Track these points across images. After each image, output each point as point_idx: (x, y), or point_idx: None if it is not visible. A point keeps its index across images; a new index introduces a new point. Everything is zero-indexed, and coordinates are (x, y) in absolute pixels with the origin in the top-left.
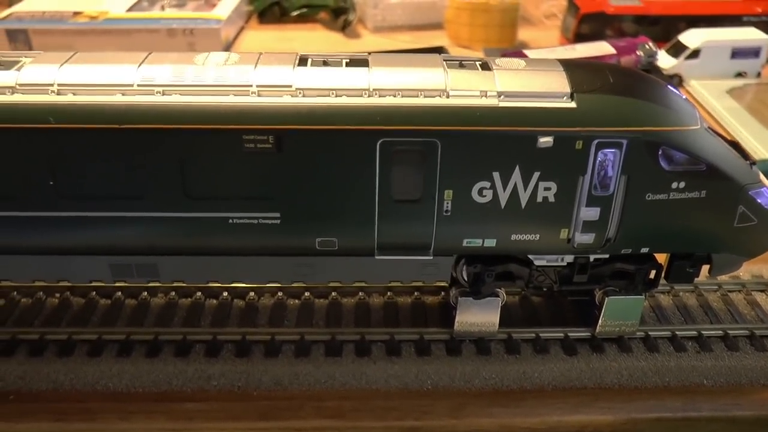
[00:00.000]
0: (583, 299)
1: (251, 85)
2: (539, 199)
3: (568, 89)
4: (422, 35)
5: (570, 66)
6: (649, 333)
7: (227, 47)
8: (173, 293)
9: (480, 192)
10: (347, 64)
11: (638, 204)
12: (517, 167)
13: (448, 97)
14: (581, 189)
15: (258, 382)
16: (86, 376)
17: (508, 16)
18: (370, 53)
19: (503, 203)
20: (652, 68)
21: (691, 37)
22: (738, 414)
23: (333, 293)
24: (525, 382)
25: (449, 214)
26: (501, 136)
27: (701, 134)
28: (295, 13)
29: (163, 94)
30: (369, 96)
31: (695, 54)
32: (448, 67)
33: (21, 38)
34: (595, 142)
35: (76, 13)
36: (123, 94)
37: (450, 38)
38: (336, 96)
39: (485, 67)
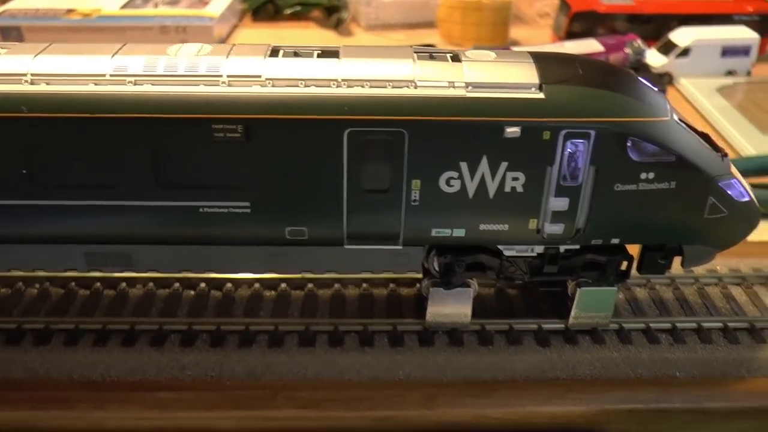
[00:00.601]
0: (557, 291)
1: (221, 75)
2: (507, 189)
3: (536, 80)
4: (415, 34)
5: (540, 58)
6: (623, 325)
7: None
8: (151, 284)
9: (447, 182)
10: (318, 56)
11: (607, 194)
12: (485, 157)
13: (415, 87)
14: (550, 179)
15: (231, 372)
16: (63, 365)
17: (500, 15)
18: (341, 46)
19: (471, 193)
20: (640, 66)
21: (681, 36)
22: (709, 406)
23: (309, 285)
24: (498, 373)
25: (417, 203)
26: (468, 126)
27: (671, 126)
28: (288, 11)
29: (135, 84)
30: (337, 86)
31: (686, 52)
32: (417, 59)
33: (14, 35)
34: (563, 132)
35: (69, 11)
36: (95, 84)
37: (442, 36)
38: (305, 86)
39: (455, 58)
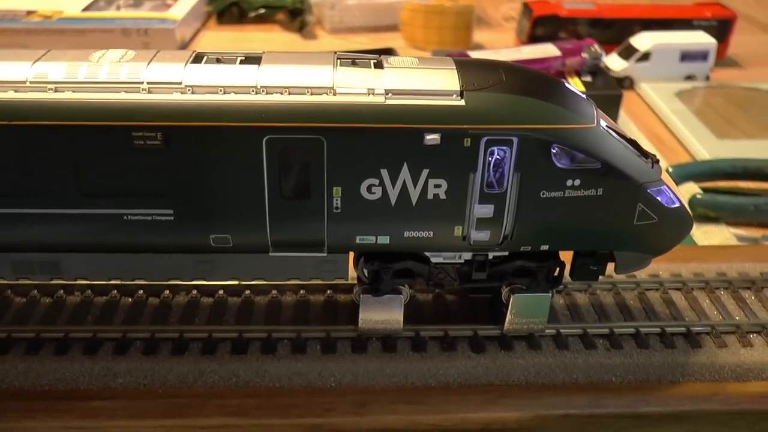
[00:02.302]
0: (494, 297)
1: (142, 82)
2: (430, 196)
3: (457, 87)
4: (379, 37)
5: (463, 64)
6: (560, 330)
7: (183, 48)
8: (89, 291)
9: (369, 189)
10: (241, 62)
11: (533, 202)
12: (405, 164)
13: (334, 94)
14: (473, 186)
15: (163, 380)
16: None
17: (462, 19)
18: (264, 51)
19: (393, 200)
20: (597, 70)
21: (641, 40)
22: (644, 410)
23: (246, 291)
24: (430, 379)
25: (339, 210)
26: (387, 133)
27: (597, 132)
28: (253, 14)
29: (56, 91)
30: (256, 93)
31: (646, 56)
32: (340, 65)
33: None
34: (484, 139)
35: (29, 12)
36: (15, 91)
37: (405, 40)
38: (224, 93)
39: (378, 65)
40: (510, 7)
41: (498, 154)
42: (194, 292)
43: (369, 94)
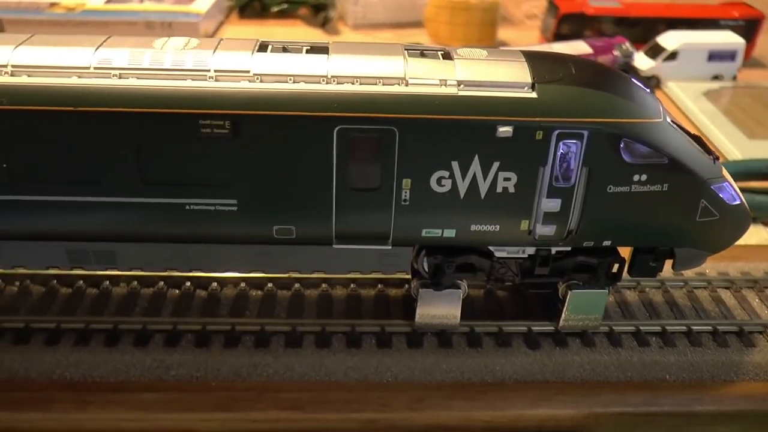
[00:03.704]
0: (547, 293)
1: (209, 70)
2: (499, 189)
3: (529, 79)
4: (402, 33)
5: (532, 57)
6: (613, 328)
7: None
8: (135, 282)
9: (439, 181)
10: (307, 51)
11: (600, 196)
12: (476, 157)
13: (407, 85)
14: (542, 180)
15: (216, 373)
16: (43, 365)
17: (488, 15)
18: (330, 42)
19: (462, 193)
20: (628, 68)
21: (668, 39)
22: (699, 409)
23: (296, 284)
24: (486, 376)
25: (408, 203)
26: (460, 125)
27: (664, 127)
28: (275, 9)
29: (120, 78)
30: (327, 83)
31: (673, 56)
32: (408, 56)
33: None
34: (556, 132)
35: (52, 4)
36: (79, 77)
37: (430, 36)
38: (294, 82)
39: (447, 56)
40: (533, 5)
41: (568, 148)
42: (243, 284)
43: (441, 85)
